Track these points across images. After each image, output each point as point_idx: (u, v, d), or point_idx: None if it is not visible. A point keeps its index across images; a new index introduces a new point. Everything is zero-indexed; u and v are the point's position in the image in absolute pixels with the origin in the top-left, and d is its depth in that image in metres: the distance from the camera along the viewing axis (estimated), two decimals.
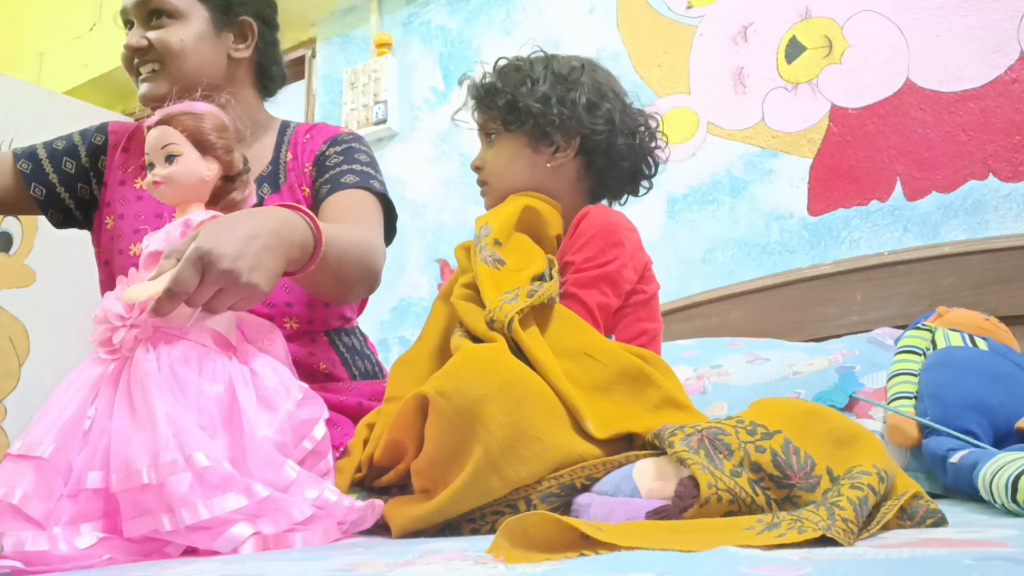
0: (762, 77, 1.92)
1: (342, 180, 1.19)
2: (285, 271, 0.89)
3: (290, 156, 1.26)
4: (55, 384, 0.83)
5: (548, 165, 1.09)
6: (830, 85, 1.83)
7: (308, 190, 1.23)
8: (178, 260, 0.79)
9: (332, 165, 1.22)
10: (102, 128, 1.29)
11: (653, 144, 1.15)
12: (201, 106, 0.94)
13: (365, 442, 0.94)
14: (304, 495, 0.76)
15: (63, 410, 0.76)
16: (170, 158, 0.88)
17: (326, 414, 0.88)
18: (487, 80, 1.12)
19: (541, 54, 1.14)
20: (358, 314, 1.32)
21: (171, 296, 0.77)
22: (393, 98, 2.54)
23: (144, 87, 1.20)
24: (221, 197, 0.94)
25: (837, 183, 1.80)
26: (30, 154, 1.24)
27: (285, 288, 1.16)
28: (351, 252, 1.02)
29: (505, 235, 0.97)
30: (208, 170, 0.90)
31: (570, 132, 1.08)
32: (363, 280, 1.08)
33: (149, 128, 0.91)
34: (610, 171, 1.12)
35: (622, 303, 1.00)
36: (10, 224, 2.69)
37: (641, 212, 2.02)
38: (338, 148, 1.25)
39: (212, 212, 0.91)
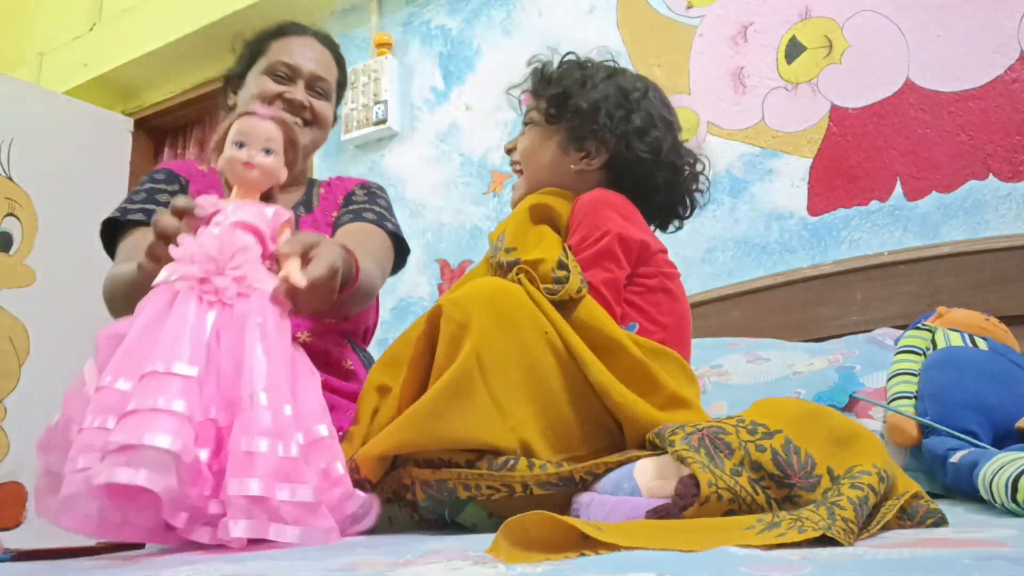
0: (762, 77, 1.92)
1: (363, 215, 1.37)
2: None
3: (322, 190, 1.46)
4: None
5: (572, 167, 1.10)
6: (830, 85, 1.83)
7: (336, 214, 1.41)
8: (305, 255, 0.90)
9: (357, 201, 1.41)
10: (171, 173, 1.41)
11: (694, 185, 1.15)
12: (291, 121, 1.06)
13: (375, 413, 0.98)
14: (316, 464, 0.81)
15: (197, 333, 0.82)
16: (266, 151, 0.97)
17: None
18: (545, 70, 1.14)
19: (611, 63, 1.15)
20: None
21: (312, 288, 0.87)
22: (393, 98, 2.53)
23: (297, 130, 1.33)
24: (266, 196, 1.02)
25: (837, 183, 1.79)
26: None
27: None
28: (365, 283, 1.14)
29: (520, 240, 0.98)
30: (284, 175, 1.00)
31: (604, 144, 1.08)
32: (364, 302, 1.24)
33: (254, 113, 0.99)
34: (639, 197, 1.10)
35: (632, 274, 1.01)
36: (10, 224, 2.69)
37: None
38: (364, 192, 1.45)
39: (274, 205, 0.97)
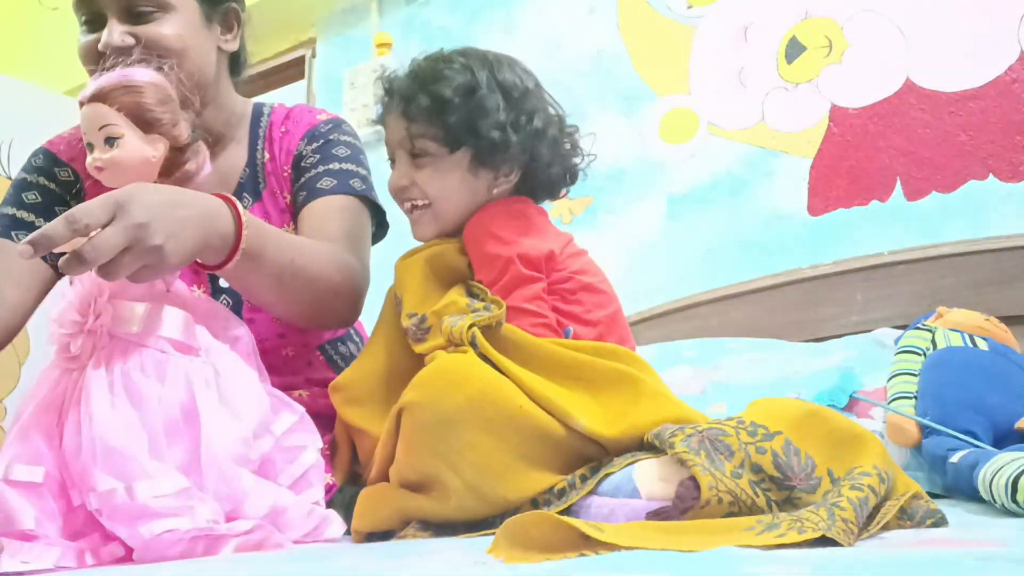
0: (762, 77, 1.92)
1: (318, 186, 1.07)
2: (202, 261, 0.85)
3: (267, 156, 1.13)
4: None
5: (494, 192, 1.00)
6: (830, 85, 1.83)
7: (289, 196, 1.12)
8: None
9: (309, 166, 1.10)
10: (52, 159, 1.12)
11: (575, 159, 1.06)
12: (139, 75, 0.84)
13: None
14: (259, 503, 0.77)
15: (35, 427, 0.76)
16: (110, 140, 0.80)
17: (319, 443, 0.89)
18: (427, 93, 0.96)
19: (474, 52, 1.01)
20: None
21: (69, 224, 0.69)
22: None
23: None
24: (174, 169, 0.85)
25: (837, 183, 1.79)
26: (21, 224, 1.07)
27: (275, 320, 1.08)
28: (304, 266, 0.93)
29: (417, 303, 0.92)
30: (153, 150, 0.83)
31: (515, 159, 0.99)
32: (326, 301, 0.98)
33: (82, 104, 0.82)
34: (541, 189, 1.05)
35: (551, 287, 0.94)
36: None
37: (641, 212, 2.02)
38: (315, 145, 1.12)
39: None
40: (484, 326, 0.83)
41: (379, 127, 1.07)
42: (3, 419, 2.56)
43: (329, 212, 1.06)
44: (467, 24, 2.48)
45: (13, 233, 1.08)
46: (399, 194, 1.01)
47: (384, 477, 0.85)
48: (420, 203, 0.99)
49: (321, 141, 1.13)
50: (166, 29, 1.01)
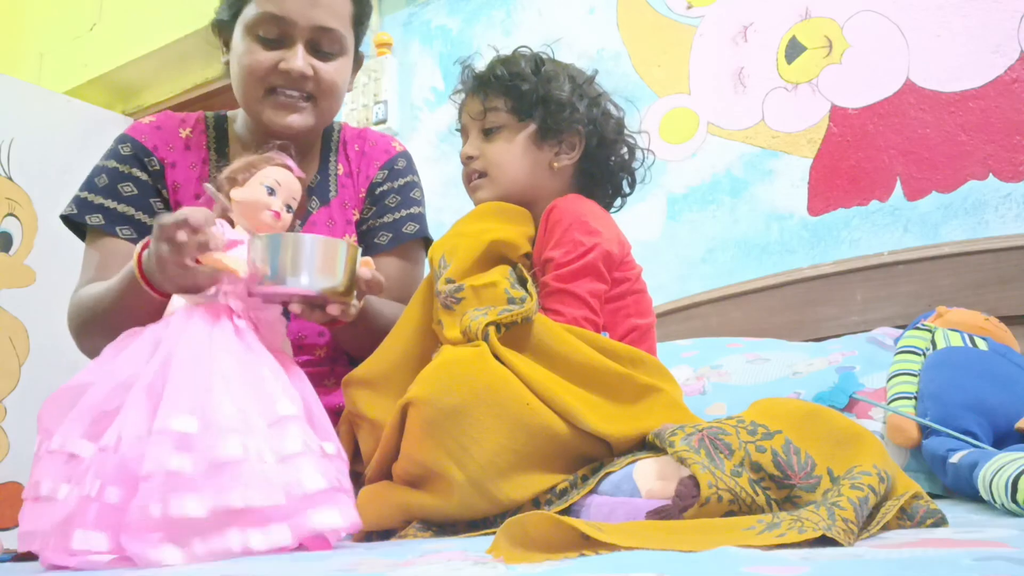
0: (762, 77, 1.92)
1: (403, 230, 1.21)
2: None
3: (342, 169, 1.22)
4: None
5: (555, 166, 1.04)
6: (830, 85, 1.83)
7: (358, 215, 1.22)
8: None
9: (392, 206, 1.22)
10: (139, 148, 1.16)
11: (633, 164, 1.12)
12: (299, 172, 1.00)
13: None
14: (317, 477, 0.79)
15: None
16: (288, 208, 0.96)
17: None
18: (503, 66, 1.05)
19: (545, 53, 1.09)
20: None
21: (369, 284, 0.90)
22: (393, 98, 2.53)
23: (296, 118, 1.11)
24: None
25: (837, 183, 1.79)
26: (123, 218, 1.11)
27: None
28: (383, 330, 1.05)
29: (461, 274, 0.93)
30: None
31: (578, 135, 1.04)
32: (371, 342, 1.10)
33: (290, 168, 0.95)
34: (600, 182, 1.09)
35: (610, 288, 0.98)
36: (10, 224, 2.69)
37: (641, 212, 2.02)
38: (396, 184, 1.24)
39: None
40: (508, 323, 0.83)
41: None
42: (3, 419, 2.56)
43: (410, 266, 1.22)
44: (467, 24, 2.48)
45: (117, 228, 1.11)
46: (466, 163, 1.08)
47: (384, 474, 0.85)
48: (477, 174, 1.06)
49: (401, 181, 1.25)
50: (337, 73, 1.12)
